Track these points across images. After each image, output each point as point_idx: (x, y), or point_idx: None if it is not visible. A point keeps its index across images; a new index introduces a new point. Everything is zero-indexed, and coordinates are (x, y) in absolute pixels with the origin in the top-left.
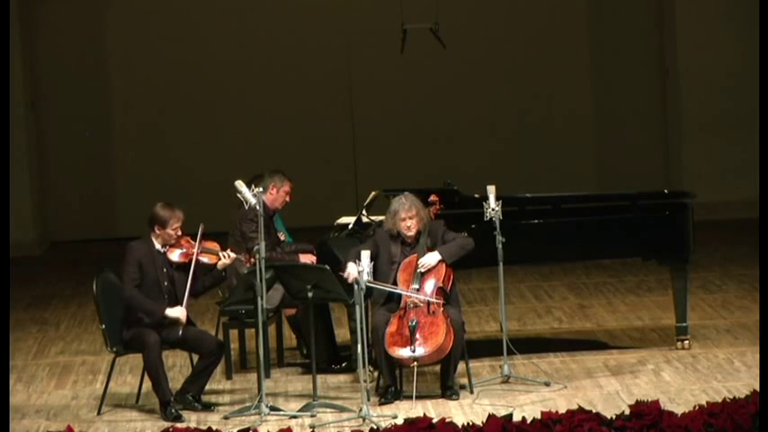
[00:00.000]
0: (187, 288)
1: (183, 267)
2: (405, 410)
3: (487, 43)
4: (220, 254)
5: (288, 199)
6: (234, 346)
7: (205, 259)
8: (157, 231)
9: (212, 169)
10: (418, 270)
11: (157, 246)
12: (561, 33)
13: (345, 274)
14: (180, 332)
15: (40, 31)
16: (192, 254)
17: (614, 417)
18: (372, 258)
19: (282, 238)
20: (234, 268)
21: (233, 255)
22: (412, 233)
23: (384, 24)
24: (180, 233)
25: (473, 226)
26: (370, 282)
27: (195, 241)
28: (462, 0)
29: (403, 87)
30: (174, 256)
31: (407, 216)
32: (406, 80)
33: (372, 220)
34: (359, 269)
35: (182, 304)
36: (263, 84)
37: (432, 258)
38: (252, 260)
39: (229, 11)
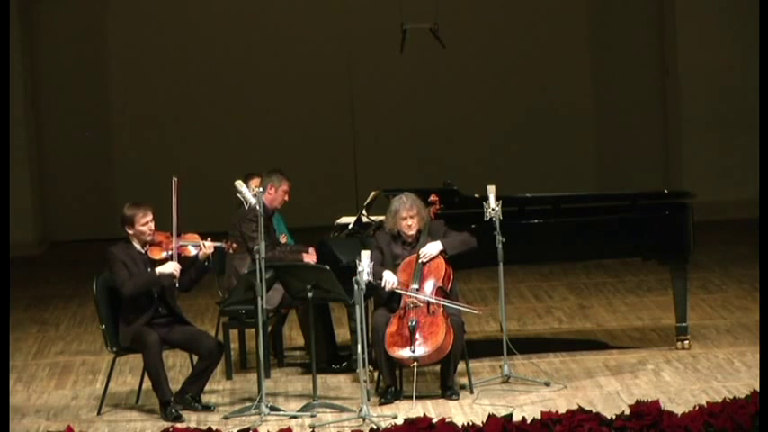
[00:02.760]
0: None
1: (165, 263)
2: (405, 410)
3: (487, 43)
4: (201, 243)
5: (287, 198)
6: (234, 346)
7: (187, 251)
8: (130, 231)
9: (212, 169)
10: (420, 261)
11: (137, 247)
12: (561, 33)
13: (383, 283)
14: (176, 284)
15: (40, 32)
16: (172, 248)
17: (614, 417)
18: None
19: (284, 240)
20: (234, 268)
21: (213, 244)
22: (412, 232)
23: (384, 24)
24: (153, 228)
25: (473, 226)
26: (372, 283)
27: (172, 236)
28: (462, 0)
29: (403, 87)
30: (155, 253)
31: (408, 215)
32: (406, 80)
33: (372, 220)
34: (359, 269)
35: (171, 305)
36: (263, 84)
37: (433, 249)
38: (234, 246)
39: (229, 12)
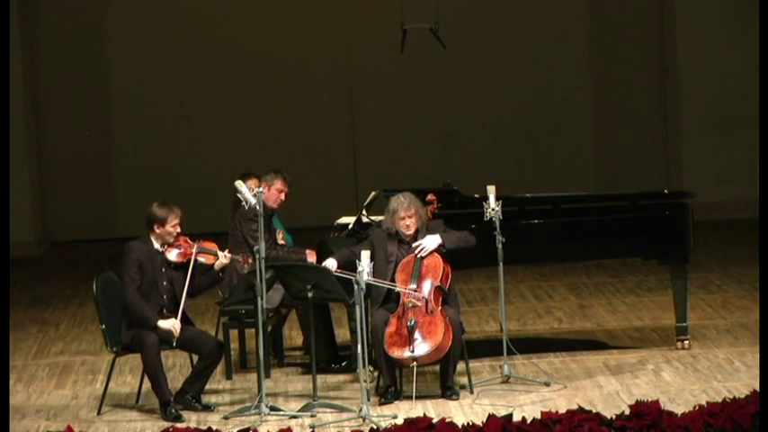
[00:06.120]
0: (185, 289)
1: (181, 267)
2: (405, 410)
3: (487, 43)
4: (219, 253)
5: (283, 197)
6: (234, 346)
7: (203, 259)
8: (157, 230)
9: (212, 169)
10: (417, 256)
11: (156, 246)
12: (561, 34)
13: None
14: (174, 343)
15: (40, 32)
16: (191, 253)
17: (614, 417)
18: (370, 259)
19: (280, 236)
20: (234, 267)
21: (230, 256)
22: (411, 232)
23: (384, 24)
24: (179, 230)
25: (473, 226)
26: (369, 279)
27: (193, 241)
28: (462, 0)
29: (403, 87)
30: (173, 255)
31: (406, 215)
32: (406, 80)
33: (372, 220)
34: (359, 269)
35: (179, 305)
36: (264, 84)
37: (431, 242)
38: (249, 260)
39: (230, 11)
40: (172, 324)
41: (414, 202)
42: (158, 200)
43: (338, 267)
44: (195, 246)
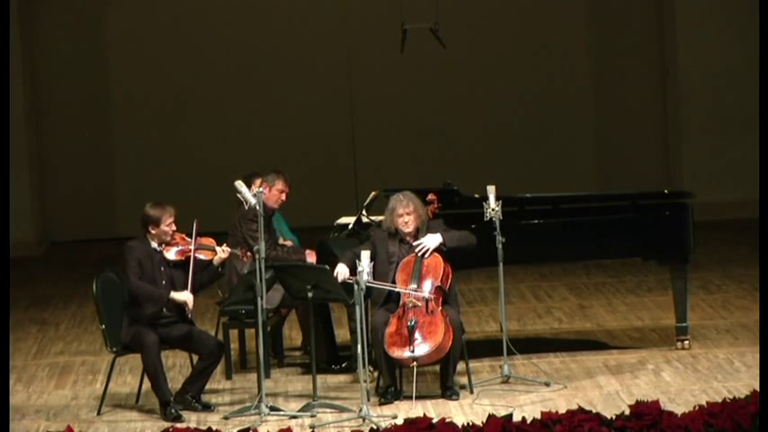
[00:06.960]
0: (189, 284)
1: (180, 265)
2: (405, 410)
3: (487, 43)
4: (217, 249)
5: (283, 198)
6: (234, 346)
7: (201, 255)
8: (152, 231)
9: (213, 169)
10: (417, 254)
11: (154, 245)
12: (561, 34)
13: (335, 273)
14: (190, 314)
15: (40, 31)
16: (189, 251)
17: (614, 417)
18: (371, 258)
19: (281, 240)
20: (234, 267)
21: (229, 250)
22: (410, 229)
23: (384, 24)
24: (174, 228)
25: (473, 226)
26: (369, 282)
27: (191, 238)
28: (462, 0)
29: (403, 87)
30: (171, 254)
31: (405, 212)
32: (406, 80)
33: (372, 220)
34: (359, 269)
35: (180, 304)
36: (264, 84)
37: (432, 241)
38: (248, 254)
39: (230, 11)
40: (186, 296)
41: (413, 200)
42: (159, 200)
43: (350, 274)
44: (193, 242)
